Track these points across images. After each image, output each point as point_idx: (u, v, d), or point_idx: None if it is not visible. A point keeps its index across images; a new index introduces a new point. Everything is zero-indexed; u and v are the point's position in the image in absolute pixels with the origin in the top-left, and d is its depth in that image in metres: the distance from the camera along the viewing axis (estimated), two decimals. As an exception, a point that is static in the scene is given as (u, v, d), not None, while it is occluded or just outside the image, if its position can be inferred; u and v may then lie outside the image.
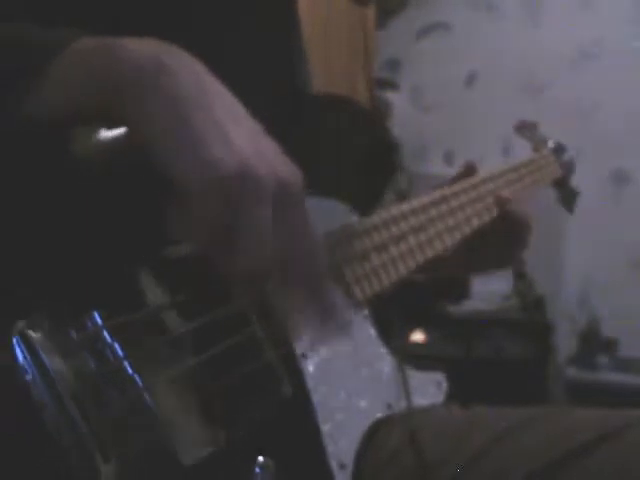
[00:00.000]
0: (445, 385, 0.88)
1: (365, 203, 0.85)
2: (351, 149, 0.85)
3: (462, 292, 1.03)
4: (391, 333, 0.83)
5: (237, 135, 0.56)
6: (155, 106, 0.55)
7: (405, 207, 0.85)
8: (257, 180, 0.55)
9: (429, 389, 0.86)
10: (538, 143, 1.21)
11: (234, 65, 0.78)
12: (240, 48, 0.79)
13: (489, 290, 2.68)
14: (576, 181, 1.24)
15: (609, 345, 2.98)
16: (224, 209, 0.54)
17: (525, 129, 1.22)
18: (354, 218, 0.82)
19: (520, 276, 2.81)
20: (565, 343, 2.98)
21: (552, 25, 3.12)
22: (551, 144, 1.21)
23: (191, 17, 0.75)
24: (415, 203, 0.87)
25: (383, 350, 0.82)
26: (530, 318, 2.72)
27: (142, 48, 0.57)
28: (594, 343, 3.00)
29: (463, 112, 3.14)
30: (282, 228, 0.57)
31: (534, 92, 3.08)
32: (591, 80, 3.02)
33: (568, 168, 1.23)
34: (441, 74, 3.18)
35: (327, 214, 0.79)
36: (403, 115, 3.05)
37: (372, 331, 0.82)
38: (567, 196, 1.25)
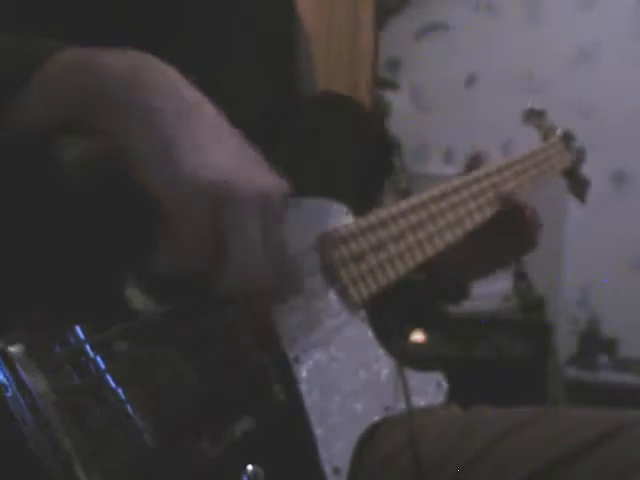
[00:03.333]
0: (445, 385, 0.86)
1: (363, 203, 0.84)
2: (350, 148, 0.85)
3: (462, 293, 1.02)
4: (391, 334, 0.83)
5: (215, 147, 0.55)
6: (131, 121, 0.55)
7: (403, 205, 0.84)
8: (236, 193, 0.54)
9: (428, 389, 0.85)
10: (547, 131, 1.18)
11: (235, 64, 0.78)
12: (241, 48, 0.79)
13: (489, 290, 2.68)
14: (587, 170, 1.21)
15: (609, 345, 2.98)
16: (206, 223, 0.54)
17: (533, 117, 1.19)
18: (350, 218, 0.81)
19: (520, 276, 2.80)
20: (565, 343, 2.98)
21: (552, 25, 3.12)
22: (560, 132, 1.18)
23: (193, 15, 0.75)
24: (414, 200, 0.86)
25: (381, 352, 0.80)
26: (530, 318, 2.72)
27: (118, 63, 0.56)
28: (594, 343, 2.99)
29: (463, 112, 3.14)
30: (264, 243, 0.56)
31: (534, 92, 3.07)
32: (591, 80, 3.02)
33: (578, 157, 1.20)
34: (441, 74, 3.18)
35: (323, 214, 0.79)
36: (403, 115, 3.04)
37: (369, 332, 0.80)
38: (578, 186, 1.21)
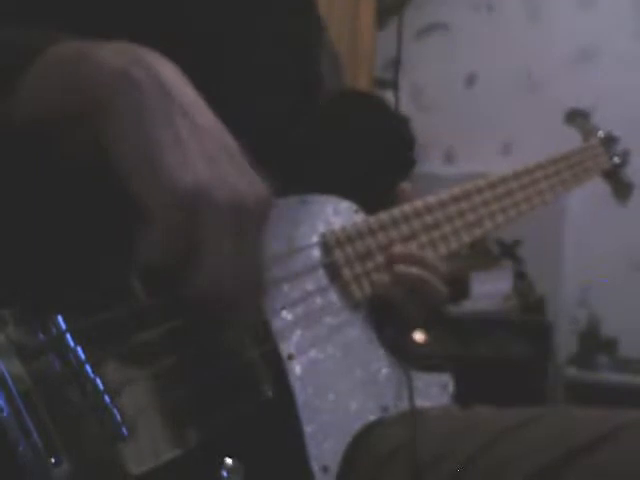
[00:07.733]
0: (451, 387, 0.85)
1: (381, 201, 0.83)
2: (368, 146, 0.84)
3: (462, 292, 1.02)
4: (393, 334, 0.82)
5: (198, 155, 0.56)
6: (118, 124, 0.55)
7: (418, 204, 0.84)
8: (211, 204, 0.55)
9: (432, 391, 0.83)
10: (588, 133, 1.16)
11: (251, 58, 0.78)
12: (256, 43, 0.78)
13: (489, 290, 2.68)
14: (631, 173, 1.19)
15: (609, 345, 2.98)
16: (181, 229, 0.54)
17: (576, 118, 1.17)
18: (359, 216, 0.81)
19: (520, 276, 2.81)
20: (565, 343, 2.98)
21: (552, 25, 3.12)
22: (601, 134, 1.16)
23: (206, 7, 0.74)
24: (431, 199, 0.85)
25: (381, 351, 0.79)
26: (530, 318, 2.72)
27: (111, 62, 0.56)
28: (594, 343, 3.00)
29: (463, 112, 3.14)
30: (236, 252, 0.56)
31: (534, 92, 3.08)
32: (591, 80, 3.02)
33: (620, 159, 1.18)
34: (441, 74, 3.18)
35: (329, 211, 0.78)
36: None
37: (369, 331, 0.79)
38: (620, 188, 1.19)
